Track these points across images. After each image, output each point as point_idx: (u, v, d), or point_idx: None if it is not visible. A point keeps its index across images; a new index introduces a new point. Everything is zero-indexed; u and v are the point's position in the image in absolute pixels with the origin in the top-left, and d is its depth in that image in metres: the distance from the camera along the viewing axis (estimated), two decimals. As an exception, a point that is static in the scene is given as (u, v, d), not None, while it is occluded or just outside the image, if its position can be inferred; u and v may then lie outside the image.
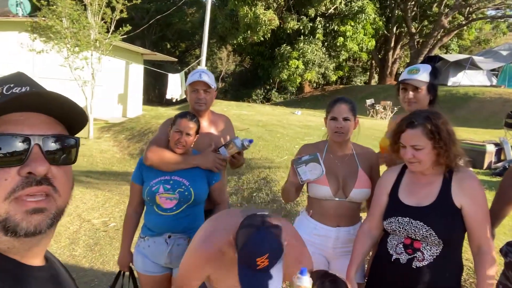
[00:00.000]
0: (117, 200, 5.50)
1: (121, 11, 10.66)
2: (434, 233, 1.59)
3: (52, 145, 0.67)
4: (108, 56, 11.15)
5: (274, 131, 9.00)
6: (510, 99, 14.37)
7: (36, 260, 0.69)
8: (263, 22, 19.01)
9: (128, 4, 10.58)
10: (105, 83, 12.61)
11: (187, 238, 2.10)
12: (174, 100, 15.68)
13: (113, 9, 10.68)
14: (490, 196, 1.85)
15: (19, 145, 0.63)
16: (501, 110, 12.93)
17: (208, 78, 2.31)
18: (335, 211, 2.00)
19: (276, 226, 1.35)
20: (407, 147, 1.65)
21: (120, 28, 10.44)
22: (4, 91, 0.65)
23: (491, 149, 6.62)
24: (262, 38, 20.13)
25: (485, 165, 6.56)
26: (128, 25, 10.48)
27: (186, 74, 17.82)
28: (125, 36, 10.82)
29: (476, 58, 19.68)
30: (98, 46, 10.51)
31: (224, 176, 2.53)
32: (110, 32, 10.76)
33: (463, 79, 18.93)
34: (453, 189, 1.63)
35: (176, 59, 20.98)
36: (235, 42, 21.49)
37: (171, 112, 14.24)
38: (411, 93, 2.12)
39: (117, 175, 7.21)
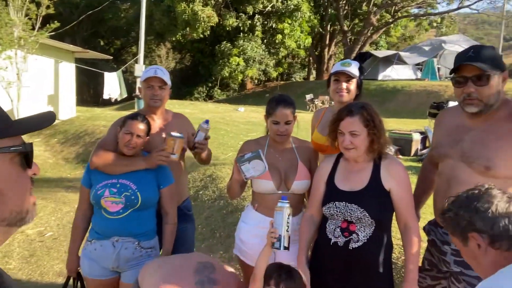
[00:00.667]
0: (53, 208, 5.18)
1: (48, 7, 9.99)
2: (367, 214, 1.74)
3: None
4: (35, 54, 10.36)
5: (218, 128, 9.01)
6: (433, 91, 15.73)
7: None
8: (201, 19, 18.82)
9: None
10: (32, 83, 11.69)
11: (136, 241, 2.07)
12: (112, 100, 14.98)
13: (38, 5, 9.94)
14: (414, 179, 2.06)
15: (30, 150, 0.76)
16: (426, 102, 14.11)
17: (163, 74, 2.30)
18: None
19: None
20: (345, 134, 1.78)
21: (48, 25, 9.76)
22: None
23: (417, 137, 7.24)
24: (201, 35, 19.94)
25: (412, 152, 7.16)
26: (56, 21, 9.83)
27: (124, 73, 17.12)
28: (53, 33, 10.14)
29: (402, 54, 21.23)
30: (22, 44, 9.74)
31: (182, 183, 2.50)
32: (36, 29, 10.00)
33: (392, 74, 20.33)
34: (382, 174, 1.80)
35: (111, 57, 20.00)
36: (174, 39, 21.06)
37: (108, 112, 13.59)
38: (344, 83, 2.25)
39: (51, 182, 6.77)
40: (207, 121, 2.23)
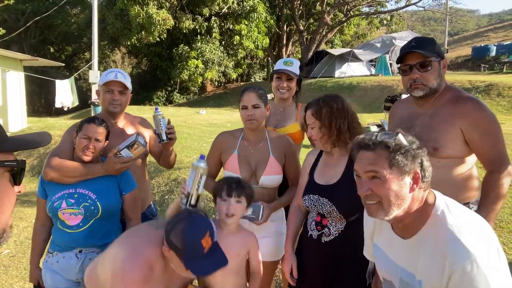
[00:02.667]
0: (9, 225, 4.89)
1: (-10, 12, 9.37)
2: (335, 209, 1.78)
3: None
4: (-22, 64, 9.70)
5: (180, 132, 8.88)
6: (387, 86, 16.40)
7: None
8: (157, 22, 18.45)
9: (0, 5, 9.36)
10: (-23, 95, 10.95)
11: (100, 251, 2.00)
12: (65, 109, 14.34)
13: (-21, 10, 9.32)
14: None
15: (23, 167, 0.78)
16: (381, 96, 14.70)
17: (124, 78, 2.21)
18: None
19: (197, 210, 1.51)
20: (308, 127, 1.89)
21: (-9, 32, 9.18)
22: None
23: (374, 130, 7.54)
24: (158, 39, 19.54)
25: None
26: (1, 28, 9.27)
27: (77, 80, 16.43)
28: (-2, 40, 9.56)
29: (356, 51, 21.96)
30: (-37, 53, 9.09)
31: (146, 188, 2.43)
32: (-22, 37, 9.38)
33: (348, 70, 20.97)
34: None
35: (63, 64, 19.15)
36: (129, 43, 20.47)
37: (63, 122, 13.00)
38: (285, 82, 2.46)
39: (5, 197, 6.37)
40: (156, 108, 2.15)
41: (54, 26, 24.50)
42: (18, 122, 13.18)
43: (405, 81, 1.88)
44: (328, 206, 1.79)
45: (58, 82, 13.87)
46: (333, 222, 1.81)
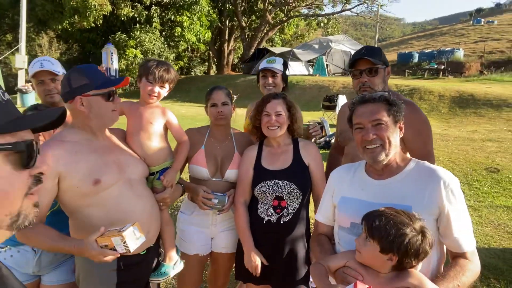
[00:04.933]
0: None
1: None
2: (296, 187, 2.01)
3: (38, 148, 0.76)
4: None
5: (122, 124, 8.55)
6: (324, 86, 17.27)
7: None
8: (92, 6, 17.41)
9: None
10: None
11: None
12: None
13: None
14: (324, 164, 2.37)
15: (34, 147, 0.73)
16: (318, 95, 15.46)
17: (52, 65, 2.15)
18: (213, 190, 2.17)
19: None
20: (271, 114, 2.06)
21: None
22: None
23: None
24: (93, 24, 18.47)
25: (312, 141, 7.87)
26: None
27: (-1, 64, 14.91)
28: None
29: (296, 51, 22.75)
30: None
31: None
32: None
33: (288, 69, 21.68)
34: (302, 152, 2.12)
35: (-18, 46, 17.25)
36: (59, 27, 19.06)
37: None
38: (270, 79, 2.54)
39: None
40: (108, 43, 2.02)
41: (-31, 3, 21.93)
42: None
43: (355, 84, 2.14)
44: (288, 187, 2.01)
45: (-23, 66, 12.52)
46: (291, 202, 2.03)
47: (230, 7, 25.42)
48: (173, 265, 1.96)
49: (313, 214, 2.09)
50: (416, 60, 25.12)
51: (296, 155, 2.10)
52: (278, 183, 2.03)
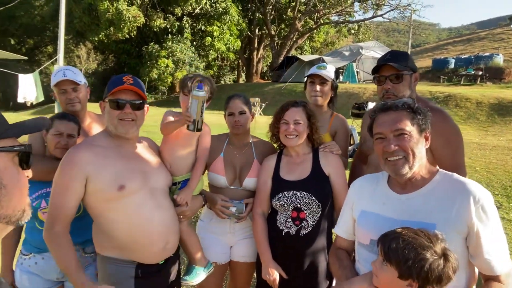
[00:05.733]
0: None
1: None
2: (314, 198, 1.93)
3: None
4: None
5: (152, 133, 8.76)
6: (353, 93, 16.96)
7: None
8: (127, 18, 18.07)
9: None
10: None
11: (79, 248, 2.01)
12: (28, 104, 13.71)
13: None
14: (347, 173, 2.28)
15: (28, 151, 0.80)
16: (347, 103, 15.18)
17: (74, 74, 2.17)
18: (231, 198, 2.15)
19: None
20: (289, 123, 1.99)
21: None
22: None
23: (342, 135, 7.82)
24: (127, 36, 19.15)
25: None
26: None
27: (40, 74, 15.74)
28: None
29: (325, 58, 22.52)
30: None
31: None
32: None
33: (338, 78, 21.50)
34: (321, 161, 2.04)
35: (26, 57, 18.28)
36: (96, 39, 19.89)
37: (24, 118, 12.39)
38: (318, 86, 2.36)
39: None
40: (199, 86, 1.82)
41: (16, 18, 23.39)
42: (-26, 116, 12.46)
43: (379, 91, 2.05)
44: (306, 198, 1.93)
45: (21, 77, 13.27)
46: (310, 213, 1.95)
47: (260, 16, 25.63)
48: (204, 267, 1.97)
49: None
50: (452, 66, 24.23)
51: (316, 164, 2.03)
52: (296, 194, 1.96)
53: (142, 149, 1.85)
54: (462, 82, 19.58)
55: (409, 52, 28.55)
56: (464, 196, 1.30)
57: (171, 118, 1.97)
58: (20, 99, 13.25)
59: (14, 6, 18.37)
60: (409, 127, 1.37)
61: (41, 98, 13.27)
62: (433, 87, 16.52)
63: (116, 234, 1.69)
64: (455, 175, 1.40)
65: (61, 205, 1.62)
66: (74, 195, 1.63)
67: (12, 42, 26.30)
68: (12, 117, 12.93)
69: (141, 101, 1.73)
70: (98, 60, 28.19)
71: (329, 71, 2.40)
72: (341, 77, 22.58)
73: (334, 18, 28.02)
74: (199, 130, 1.84)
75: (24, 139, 2.18)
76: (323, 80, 2.37)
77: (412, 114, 1.39)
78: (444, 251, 1.18)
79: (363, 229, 1.49)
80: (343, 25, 28.37)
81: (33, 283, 1.98)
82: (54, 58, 14.32)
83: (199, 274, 1.96)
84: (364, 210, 1.51)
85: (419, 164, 1.38)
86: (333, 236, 2.10)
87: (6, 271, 2.09)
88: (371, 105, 10.29)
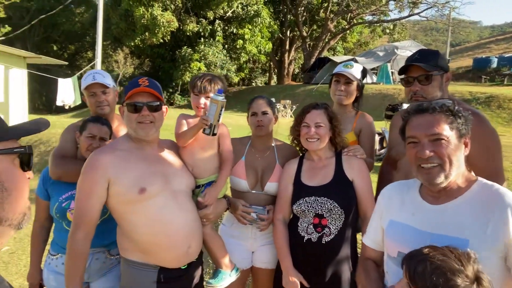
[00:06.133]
0: (8, 221, 4.91)
1: (-4, 9, 9.44)
2: (337, 205, 1.85)
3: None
4: (-18, 60, 9.75)
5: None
6: (388, 94, 16.47)
7: None
8: (161, 23, 18.54)
9: (6, 3, 9.42)
10: (-20, 91, 10.99)
11: (106, 250, 2.03)
12: (66, 107, 14.37)
13: (-15, 7, 9.39)
14: (375, 178, 2.17)
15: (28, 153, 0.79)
16: (381, 104, 14.75)
17: (103, 78, 2.21)
18: (252, 203, 2.11)
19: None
20: (310, 125, 1.92)
21: (-4, 29, 9.23)
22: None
23: (375, 138, 7.56)
24: (161, 40, 19.63)
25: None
26: (6, 26, 9.33)
27: (79, 79, 16.48)
28: (3, 38, 9.60)
29: (358, 59, 22.04)
30: (-32, 49, 9.13)
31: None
32: (-17, 33, 9.44)
33: (366, 78, 21.08)
34: (345, 166, 1.95)
35: (66, 63, 19.21)
36: (132, 44, 20.55)
37: (64, 120, 13.02)
38: (343, 85, 2.28)
39: (4, 194, 6.39)
40: (220, 91, 1.82)
41: (58, 25, 24.64)
42: (19, 119, 13.22)
43: (406, 92, 1.93)
44: (328, 204, 1.85)
45: (60, 81, 13.91)
46: (332, 220, 1.86)
47: (292, 17, 25.49)
48: (230, 272, 1.93)
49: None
50: (494, 65, 23.02)
51: (338, 169, 1.94)
52: (317, 200, 1.88)
53: (163, 151, 1.84)
54: (505, 82, 18.53)
55: (447, 52, 27.50)
56: (502, 209, 1.16)
57: (184, 124, 1.93)
58: (58, 102, 13.89)
59: (56, 13, 19.38)
60: (447, 131, 1.24)
61: (78, 102, 13.85)
62: (474, 88, 15.73)
63: (138, 237, 1.68)
64: (496, 185, 1.26)
65: (85, 210, 1.64)
66: (97, 199, 1.64)
67: (55, 48, 27.71)
68: (53, 120, 13.59)
69: (158, 103, 1.72)
70: (135, 64, 29.09)
71: (355, 70, 2.31)
72: (374, 78, 22.05)
73: (368, 17, 27.39)
74: (214, 134, 1.82)
75: (56, 141, 2.25)
76: (348, 80, 2.29)
77: (452, 118, 1.26)
78: (477, 274, 1.06)
79: (391, 240, 1.38)
80: (378, 24, 27.66)
81: (59, 283, 2.02)
82: (92, 63, 14.93)
83: (225, 278, 1.93)
84: (392, 220, 1.40)
85: (457, 173, 1.25)
86: (358, 244, 2.01)
87: (34, 270, 2.14)
88: (405, 107, 9.90)
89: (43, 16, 17.33)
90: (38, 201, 2.08)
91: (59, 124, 11.47)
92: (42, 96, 24.73)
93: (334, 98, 2.34)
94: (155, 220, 1.67)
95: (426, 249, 1.13)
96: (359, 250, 1.99)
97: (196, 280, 1.88)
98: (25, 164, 0.78)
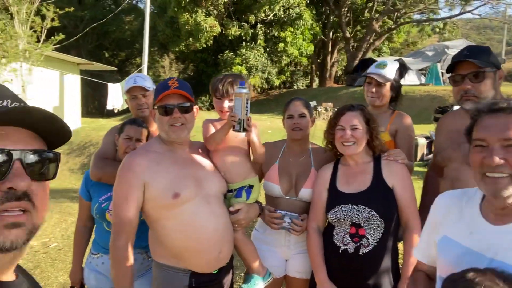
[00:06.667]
0: (58, 219, 5.18)
1: (52, 20, 10.11)
2: (375, 213, 1.72)
3: (33, 161, 0.66)
4: (40, 67, 10.48)
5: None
6: (437, 96, 15.65)
7: (6, 276, 0.67)
8: (204, 29, 18.96)
9: (60, 12, 10.06)
10: (37, 95, 11.81)
11: (144, 252, 2.05)
12: (116, 111, 15.09)
13: (43, 18, 10.09)
14: (417, 184, 2.02)
15: (0, 160, 0.62)
16: (430, 106, 14.03)
17: (144, 81, 2.26)
18: (286, 209, 2.03)
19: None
20: (346, 128, 1.80)
21: (52, 37, 9.88)
22: None
23: (422, 142, 7.19)
24: (204, 45, 20.06)
25: (419, 157, 7.11)
26: (61, 34, 9.96)
27: (127, 84, 17.26)
28: (58, 45, 10.26)
29: (406, 59, 21.18)
30: (28, 56, 9.85)
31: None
32: (41, 42, 10.13)
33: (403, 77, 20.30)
34: (384, 172, 1.81)
35: (116, 68, 20.19)
36: (177, 49, 21.19)
37: (113, 123, 13.66)
38: (374, 88, 2.16)
39: (56, 193, 6.79)
40: (242, 83, 1.75)
41: (109, 33, 25.99)
42: (73, 122, 14.06)
43: (455, 92, 1.76)
44: (366, 213, 1.73)
45: (110, 86, 14.64)
46: (371, 230, 1.74)
47: (334, 18, 25.04)
48: (263, 277, 1.89)
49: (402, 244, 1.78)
50: (558, 63, 21.17)
51: (377, 175, 1.81)
52: (354, 208, 1.76)
53: (194, 154, 1.82)
54: None
55: (503, 51, 25.73)
56: None
57: (211, 127, 1.89)
58: (109, 106, 14.61)
59: (107, 22, 20.46)
60: None
61: (126, 105, 14.49)
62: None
63: (171, 242, 1.67)
64: None
65: (124, 216, 1.63)
66: (134, 203, 1.63)
67: (107, 55, 29.21)
68: (102, 123, 14.32)
69: (188, 104, 1.70)
70: (179, 69, 29.97)
71: (389, 70, 2.16)
72: (423, 79, 21.08)
73: (416, 16, 26.26)
74: (245, 130, 1.73)
75: (99, 143, 2.32)
76: (379, 82, 2.15)
77: None
78: None
79: (442, 258, 1.23)
80: (427, 23, 26.44)
81: (99, 282, 2.07)
82: (139, 69, 15.56)
83: (258, 284, 1.88)
84: (446, 236, 1.23)
85: None
86: (400, 255, 1.87)
87: (76, 268, 2.21)
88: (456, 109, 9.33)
89: (95, 24, 18.38)
90: (81, 201, 2.14)
91: (108, 127, 12.04)
92: (94, 101, 26.13)
93: (367, 100, 2.24)
94: (188, 225, 1.65)
95: (471, 273, 0.98)
96: (400, 261, 1.86)
97: (226, 285, 1.85)
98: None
